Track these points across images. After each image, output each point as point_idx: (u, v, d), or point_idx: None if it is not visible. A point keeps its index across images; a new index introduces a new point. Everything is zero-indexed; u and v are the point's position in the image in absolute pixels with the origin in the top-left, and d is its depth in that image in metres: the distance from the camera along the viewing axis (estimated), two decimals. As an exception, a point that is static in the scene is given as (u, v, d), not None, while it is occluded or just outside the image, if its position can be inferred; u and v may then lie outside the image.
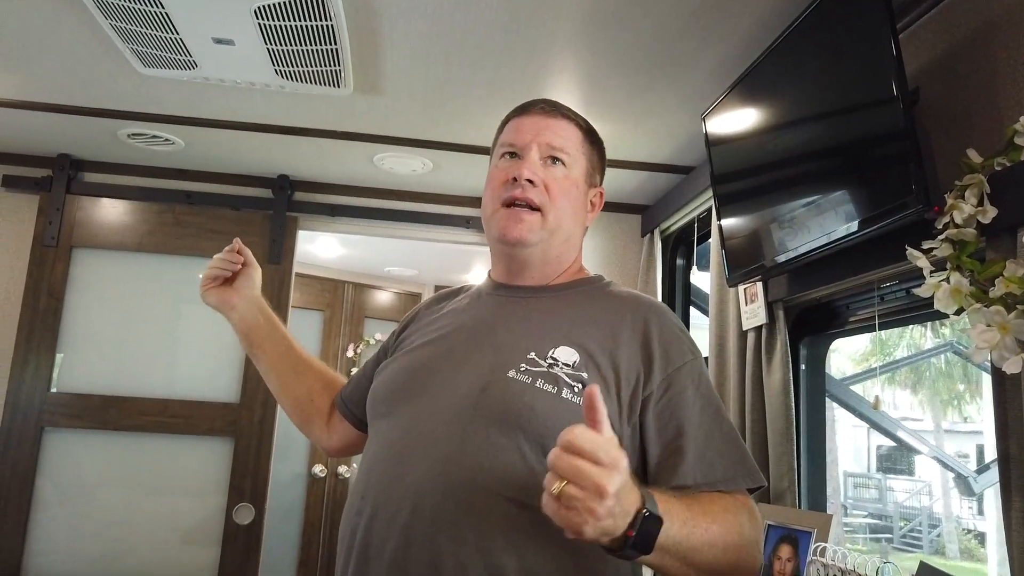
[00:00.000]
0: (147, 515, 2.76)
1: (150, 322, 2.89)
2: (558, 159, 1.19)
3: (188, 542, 2.77)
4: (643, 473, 1.07)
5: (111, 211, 2.89)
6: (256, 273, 1.44)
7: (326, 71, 1.94)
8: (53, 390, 2.75)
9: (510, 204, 1.17)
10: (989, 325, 1.06)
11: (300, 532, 4.06)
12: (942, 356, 11.59)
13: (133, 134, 2.59)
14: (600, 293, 1.22)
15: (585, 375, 1.06)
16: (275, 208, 2.98)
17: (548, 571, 0.98)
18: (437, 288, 4.65)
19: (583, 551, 1.01)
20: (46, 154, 2.86)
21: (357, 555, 1.06)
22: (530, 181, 1.16)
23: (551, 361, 1.07)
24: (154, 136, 2.60)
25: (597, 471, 0.77)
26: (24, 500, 2.67)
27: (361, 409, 1.29)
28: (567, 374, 1.06)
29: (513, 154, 1.21)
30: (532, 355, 1.08)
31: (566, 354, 1.08)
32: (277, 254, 2.96)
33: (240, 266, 1.42)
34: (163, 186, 2.96)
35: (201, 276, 1.41)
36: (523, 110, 1.24)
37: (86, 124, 2.51)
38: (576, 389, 1.04)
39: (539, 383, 1.05)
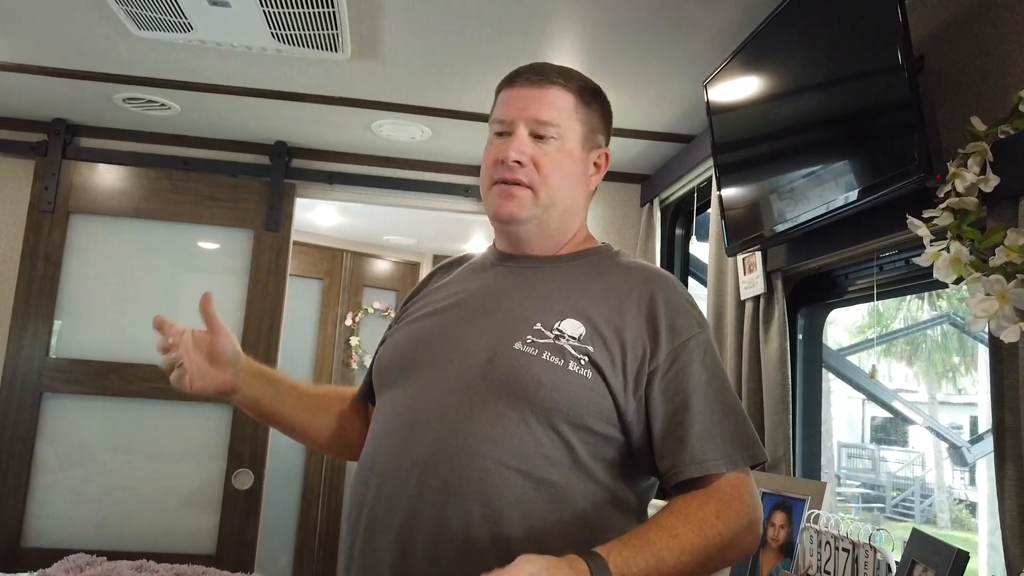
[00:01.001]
0: (147, 480, 2.78)
1: (148, 288, 2.89)
2: (548, 133, 1.13)
3: (188, 507, 2.80)
4: (648, 446, 1.06)
5: (108, 177, 2.87)
6: (230, 339, 1.18)
7: (323, 35, 1.91)
8: (52, 355, 2.76)
9: (501, 183, 1.14)
10: (988, 294, 1.06)
11: (300, 497, 4.09)
12: (938, 329, 11.63)
13: (128, 98, 2.56)
14: (608, 263, 1.19)
15: (591, 348, 1.05)
16: (273, 175, 2.96)
17: (554, 540, 0.98)
18: (436, 258, 4.64)
19: (590, 520, 1.02)
20: (41, 119, 2.83)
21: (365, 526, 1.07)
22: (518, 162, 1.12)
23: (557, 333, 1.06)
24: (150, 101, 2.57)
25: None
26: (24, 464, 2.69)
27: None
28: (573, 346, 1.05)
29: (503, 131, 1.16)
30: (538, 326, 1.07)
31: (572, 326, 1.07)
32: (275, 221, 2.95)
33: (188, 347, 1.16)
34: (160, 152, 2.94)
35: (171, 379, 1.17)
36: (510, 81, 1.19)
37: (81, 88, 2.48)
38: (582, 361, 1.04)
39: (545, 355, 1.04)
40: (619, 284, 1.13)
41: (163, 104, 2.60)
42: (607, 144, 1.24)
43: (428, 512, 1.00)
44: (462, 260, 1.32)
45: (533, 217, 1.14)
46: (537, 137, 1.14)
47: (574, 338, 1.05)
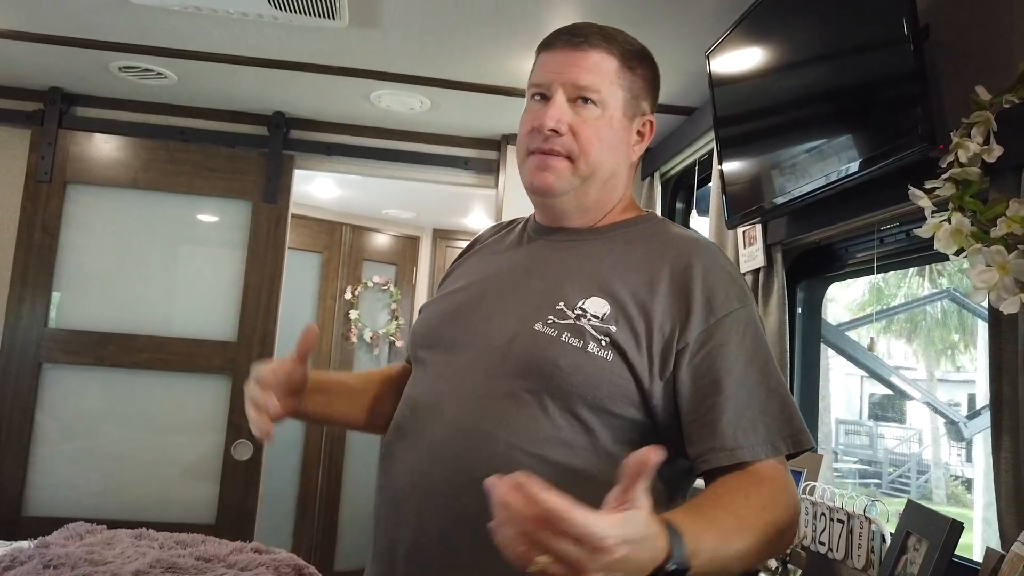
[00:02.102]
0: (147, 450, 2.80)
1: (147, 259, 2.89)
2: (588, 99, 1.06)
3: (188, 477, 2.82)
4: (679, 429, 1.00)
5: (105, 147, 2.85)
6: (306, 367, 1.14)
7: (320, 1, 1.89)
8: (51, 326, 2.76)
9: (538, 153, 1.09)
10: (989, 265, 1.06)
11: (299, 468, 4.12)
12: (938, 306, 11.65)
13: (124, 67, 2.53)
14: (649, 234, 1.11)
15: (613, 328, 1.00)
16: (271, 146, 2.95)
17: None
18: (436, 231, 4.63)
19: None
20: (37, 87, 2.80)
21: (388, 500, 1.08)
22: (555, 131, 1.05)
23: (579, 312, 1.01)
24: (146, 69, 2.54)
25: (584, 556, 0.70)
26: (24, 434, 2.70)
27: None
28: (594, 327, 1.00)
29: (542, 95, 1.09)
30: (561, 306, 1.03)
31: (596, 305, 1.02)
32: (273, 193, 2.93)
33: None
34: (157, 122, 2.92)
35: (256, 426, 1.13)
36: (549, 43, 1.13)
37: (77, 56, 2.46)
38: (603, 343, 0.99)
39: (564, 336, 1.00)
40: (655, 256, 1.06)
41: (160, 73, 2.57)
42: (653, 111, 1.17)
43: (441, 492, 1.00)
44: (512, 224, 1.28)
45: (571, 189, 1.09)
46: (576, 103, 1.08)
47: (597, 317, 1.01)
